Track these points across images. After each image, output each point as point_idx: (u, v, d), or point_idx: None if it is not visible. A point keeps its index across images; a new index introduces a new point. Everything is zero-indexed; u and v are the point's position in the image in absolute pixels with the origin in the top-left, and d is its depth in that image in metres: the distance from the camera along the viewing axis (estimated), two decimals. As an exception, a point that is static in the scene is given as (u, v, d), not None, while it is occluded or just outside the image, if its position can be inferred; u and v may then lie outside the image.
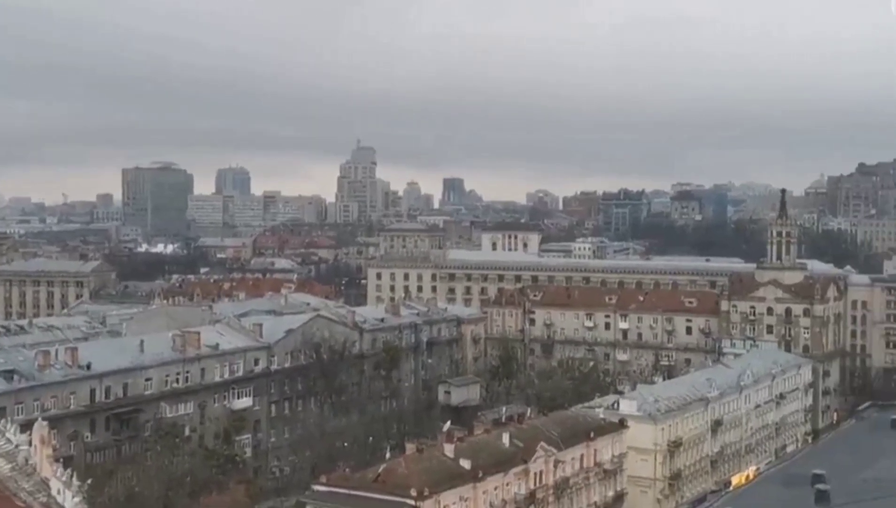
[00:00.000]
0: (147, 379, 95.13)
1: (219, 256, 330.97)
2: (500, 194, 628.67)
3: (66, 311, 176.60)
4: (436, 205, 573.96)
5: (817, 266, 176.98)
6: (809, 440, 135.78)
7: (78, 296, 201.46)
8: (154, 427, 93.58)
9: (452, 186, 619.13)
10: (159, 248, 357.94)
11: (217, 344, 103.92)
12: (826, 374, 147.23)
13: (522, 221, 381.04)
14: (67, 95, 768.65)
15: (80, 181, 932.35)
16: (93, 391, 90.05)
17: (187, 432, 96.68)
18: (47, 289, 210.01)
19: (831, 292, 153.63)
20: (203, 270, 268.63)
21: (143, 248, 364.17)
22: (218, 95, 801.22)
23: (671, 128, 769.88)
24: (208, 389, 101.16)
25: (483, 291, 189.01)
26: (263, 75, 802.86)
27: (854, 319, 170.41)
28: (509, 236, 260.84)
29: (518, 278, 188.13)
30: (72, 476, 39.34)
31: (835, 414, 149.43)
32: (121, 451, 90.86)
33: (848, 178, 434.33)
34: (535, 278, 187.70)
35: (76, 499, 38.15)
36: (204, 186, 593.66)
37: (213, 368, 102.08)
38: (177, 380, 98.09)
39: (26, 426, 41.69)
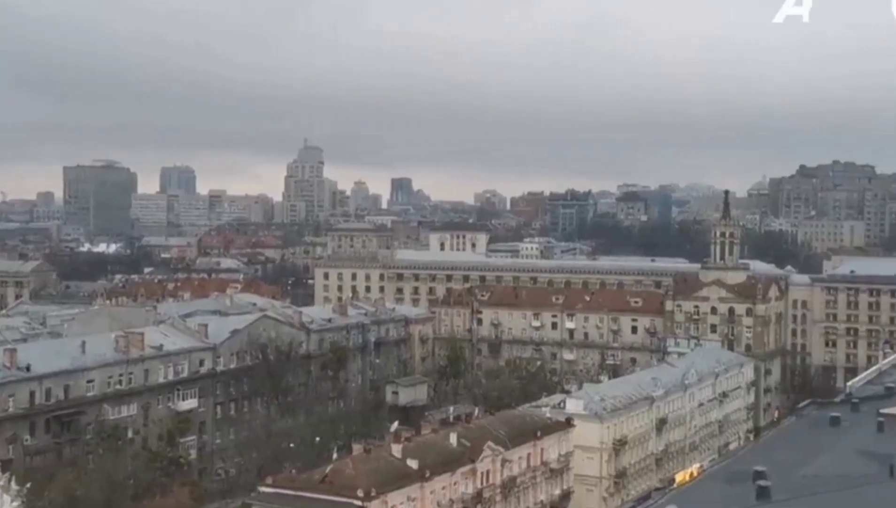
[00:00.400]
0: (89, 381, 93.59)
1: (163, 256, 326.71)
2: (448, 194, 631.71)
3: (4, 312, 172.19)
4: (384, 205, 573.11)
5: (759, 266, 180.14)
6: (751, 438, 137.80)
7: (17, 296, 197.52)
8: (96, 430, 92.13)
9: (400, 185, 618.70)
10: (102, 247, 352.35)
11: (161, 345, 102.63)
12: (768, 372, 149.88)
13: (470, 221, 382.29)
14: (13, 89, 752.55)
15: (19, 179, 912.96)
16: (32, 394, 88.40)
17: (130, 434, 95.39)
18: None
19: (773, 291, 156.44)
20: (147, 270, 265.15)
21: (86, 247, 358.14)
22: (163, 92, 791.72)
23: (618, 129, 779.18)
24: (152, 390, 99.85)
25: (431, 291, 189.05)
26: (210, 72, 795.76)
27: (795, 318, 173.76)
28: (457, 236, 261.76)
29: (466, 278, 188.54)
30: (10, 480, 38.66)
31: (776, 412, 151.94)
32: (61, 454, 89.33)
33: (789, 179, 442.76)
34: (482, 278, 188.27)
35: (15, 503, 37.49)
36: (148, 185, 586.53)
37: (157, 369, 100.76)
38: (120, 382, 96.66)
39: (-37, 430, 40.90)
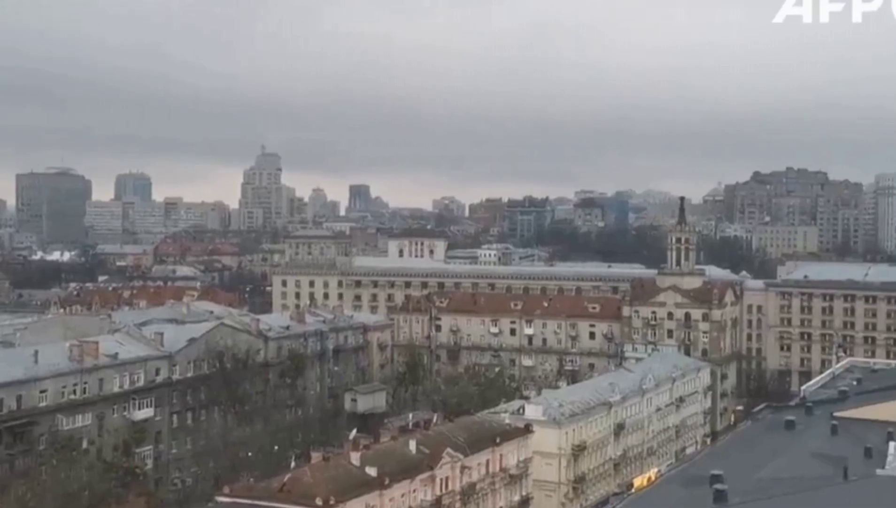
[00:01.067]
0: (42, 391, 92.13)
1: (118, 263, 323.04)
2: (406, 201, 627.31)
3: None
4: (342, 212, 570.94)
5: (715, 272, 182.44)
6: (708, 442, 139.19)
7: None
8: (49, 441, 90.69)
9: (358, 192, 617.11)
10: (55, 256, 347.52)
11: (116, 354, 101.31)
12: (724, 377, 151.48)
13: (429, 227, 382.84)
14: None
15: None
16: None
17: (85, 444, 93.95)
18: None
19: (728, 296, 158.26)
20: (102, 278, 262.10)
21: (39, 255, 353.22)
22: (116, 97, 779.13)
23: (575, 136, 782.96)
24: (107, 400, 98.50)
25: (389, 297, 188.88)
26: (166, 77, 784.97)
27: (750, 323, 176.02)
28: (416, 243, 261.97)
29: (424, 285, 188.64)
30: (-40, 493, 37.90)
31: (732, 416, 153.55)
32: (14, 465, 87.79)
33: (743, 186, 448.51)
34: (441, 285, 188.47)
35: (-35, 517, 36.77)
36: (103, 192, 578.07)
37: (111, 378, 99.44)
38: (74, 391, 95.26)
39: (-89, 442, 40.06)
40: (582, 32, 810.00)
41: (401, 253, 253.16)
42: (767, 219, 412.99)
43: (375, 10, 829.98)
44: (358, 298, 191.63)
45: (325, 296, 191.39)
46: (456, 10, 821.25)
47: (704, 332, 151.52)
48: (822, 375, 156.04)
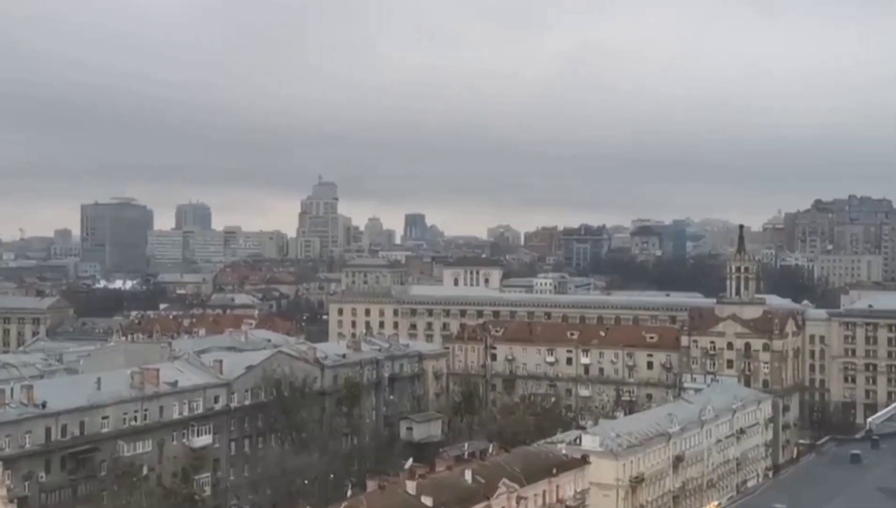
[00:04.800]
0: (104, 417, 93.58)
1: (178, 292, 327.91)
2: (461, 230, 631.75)
3: (22, 348, 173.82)
4: (397, 240, 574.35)
5: (776, 301, 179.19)
6: (770, 475, 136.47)
7: (34, 333, 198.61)
8: (111, 467, 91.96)
9: (414, 221, 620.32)
10: (118, 284, 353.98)
11: (176, 381, 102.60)
12: (786, 409, 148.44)
13: (484, 256, 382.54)
14: (18, 128, 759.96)
15: (37, 216, 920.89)
16: (48, 430, 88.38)
17: (145, 471, 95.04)
18: (3, 326, 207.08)
19: (790, 326, 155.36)
20: (162, 306, 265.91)
21: (102, 284, 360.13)
22: (176, 130, 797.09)
23: (631, 164, 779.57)
24: (167, 427, 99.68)
25: (445, 326, 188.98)
26: (223, 109, 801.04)
27: (812, 353, 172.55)
28: (471, 272, 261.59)
29: (480, 314, 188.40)
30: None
31: (794, 449, 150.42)
32: (77, 491, 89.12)
33: (804, 214, 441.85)
34: (496, 314, 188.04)
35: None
36: (164, 221, 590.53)
37: (171, 405, 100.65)
38: (135, 418, 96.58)
39: (-21, 467, 40.88)
40: (638, 58, 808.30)
41: (456, 282, 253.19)
42: (830, 247, 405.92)
43: (424, 40, 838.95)
44: (413, 326, 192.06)
45: (381, 324, 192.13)
46: (510, 36, 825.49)
47: (765, 362, 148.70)
48: (889, 408, 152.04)
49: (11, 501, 38.62)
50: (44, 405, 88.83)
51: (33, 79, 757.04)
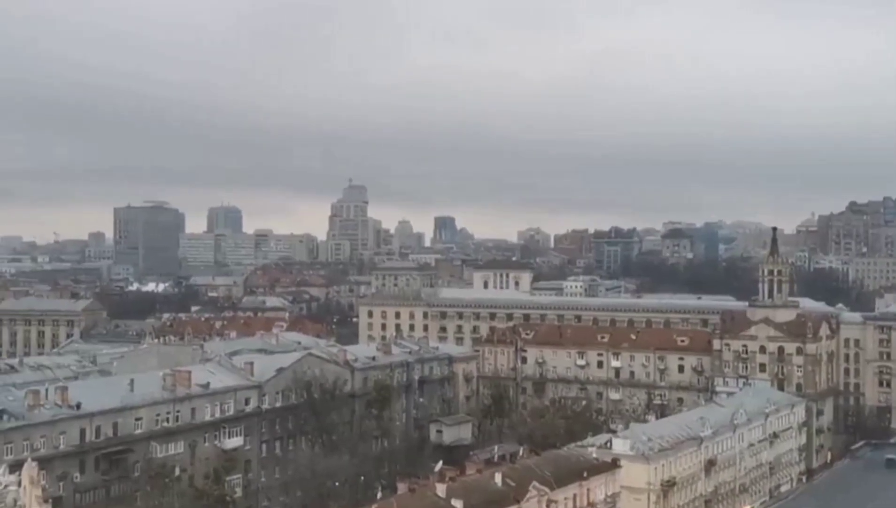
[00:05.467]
0: (137, 419, 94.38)
1: (210, 294, 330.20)
2: (491, 232, 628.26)
3: (56, 350, 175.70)
4: (427, 243, 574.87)
5: (809, 304, 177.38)
6: (804, 480, 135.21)
7: (69, 335, 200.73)
8: (144, 467, 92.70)
9: (444, 224, 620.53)
10: (150, 286, 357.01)
11: (208, 383, 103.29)
12: (819, 413, 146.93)
13: (514, 259, 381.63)
14: (53, 131, 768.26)
15: (71, 220, 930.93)
16: (83, 431, 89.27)
17: (177, 472, 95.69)
18: (38, 328, 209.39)
19: (824, 330, 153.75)
20: (194, 308, 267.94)
21: (135, 286, 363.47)
22: (205, 133, 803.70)
23: (661, 166, 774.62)
24: (199, 428, 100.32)
25: (475, 329, 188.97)
26: (253, 112, 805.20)
27: (847, 357, 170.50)
28: (501, 274, 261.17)
29: (510, 317, 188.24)
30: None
31: (829, 453, 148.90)
32: (110, 491, 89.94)
33: (839, 216, 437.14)
34: (526, 317, 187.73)
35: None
36: (196, 224, 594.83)
37: (203, 407, 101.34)
38: (167, 419, 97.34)
39: (15, 467, 41.41)
40: (669, 59, 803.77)
41: (486, 285, 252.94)
42: (864, 250, 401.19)
43: (450, 42, 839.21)
44: (443, 329, 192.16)
45: (411, 327, 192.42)
46: (537, 39, 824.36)
47: (798, 366, 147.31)
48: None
49: (46, 501, 39.08)
50: (78, 407, 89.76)
51: (65, 84, 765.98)
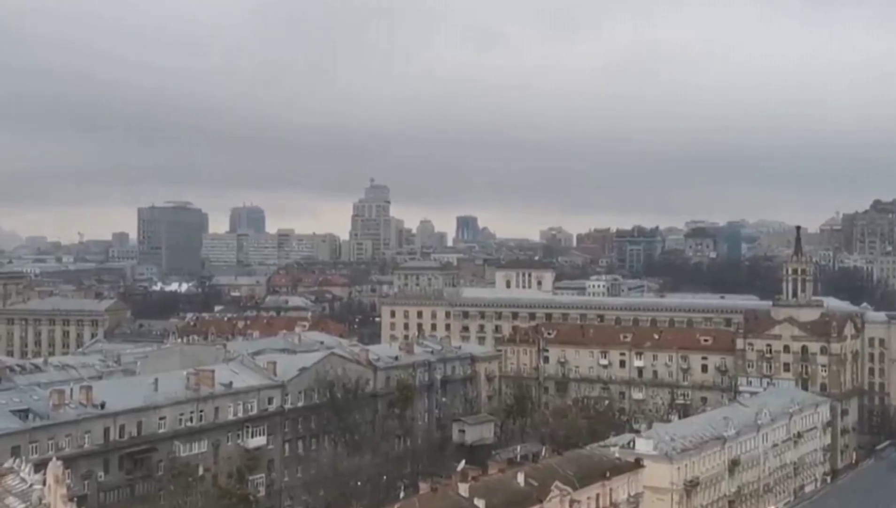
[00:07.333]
0: (161, 418, 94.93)
1: (233, 294, 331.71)
2: (513, 232, 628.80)
3: (81, 350, 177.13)
4: (449, 243, 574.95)
5: (833, 303, 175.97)
6: (828, 480, 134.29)
7: (93, 335, 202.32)
8: (167, 467, 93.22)
9: (466, 223, 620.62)
10: (174, 286, 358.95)
11: (231, 383, 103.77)
12: (844, 413, 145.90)
13: (536, 258, 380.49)
14: (78, 133, 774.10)
15: (95, 220, 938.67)
16: (107, 430, 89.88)
17: (201, 471, 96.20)
18: (62, 328, 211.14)
19: (848, 329, 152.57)
20: (217, 308, 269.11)
21: (158, 286, 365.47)
22: (228, 134, 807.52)
23: (684, 165, 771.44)
24: (222, 428, 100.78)
25: (497, 328, 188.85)
26: (276, 113, 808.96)
27: (872, 356, 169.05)
28: (523, 274, 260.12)
29: (532, 316, 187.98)
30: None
31: (853, 454, 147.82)
32: (134, 490, 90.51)
33: (863, 215, 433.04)
34: (549, 316, 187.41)
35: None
36: (219, 224, 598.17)
37: (226, 406, 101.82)
38: (191, 419, 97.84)
39: (40, 466, 41.71)
40: (692, 58, 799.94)
41: (508, 284, 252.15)
42: (889, 249, 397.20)
43: (473, 42, 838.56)
44: (465, 328, 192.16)
45: (433, 327, 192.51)
46: (558, 38, 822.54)
47: (823, 366, 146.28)
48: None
49: (71, 500, 39.37)
50: (102, 406, 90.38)
51: (92, 84, 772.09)
